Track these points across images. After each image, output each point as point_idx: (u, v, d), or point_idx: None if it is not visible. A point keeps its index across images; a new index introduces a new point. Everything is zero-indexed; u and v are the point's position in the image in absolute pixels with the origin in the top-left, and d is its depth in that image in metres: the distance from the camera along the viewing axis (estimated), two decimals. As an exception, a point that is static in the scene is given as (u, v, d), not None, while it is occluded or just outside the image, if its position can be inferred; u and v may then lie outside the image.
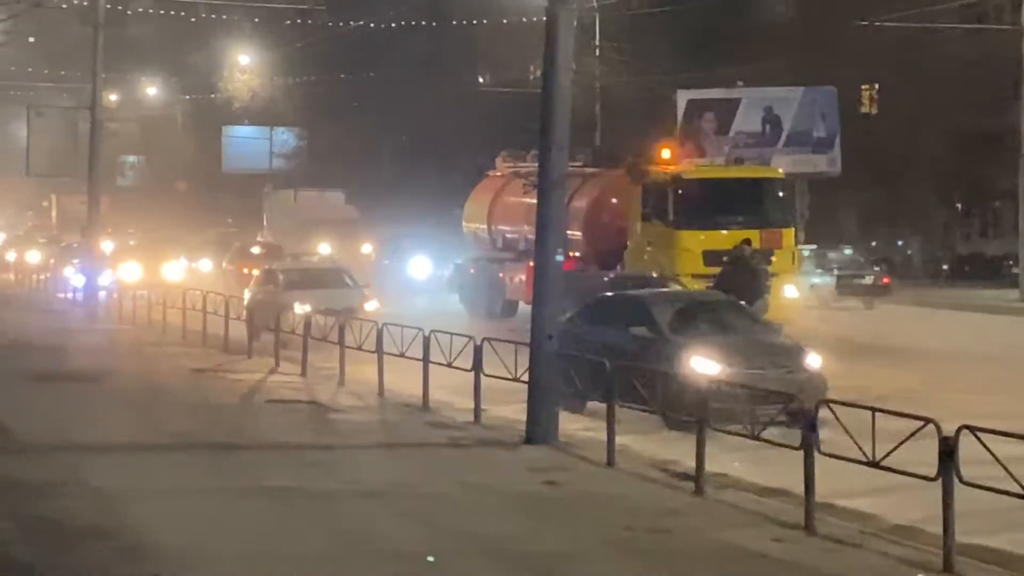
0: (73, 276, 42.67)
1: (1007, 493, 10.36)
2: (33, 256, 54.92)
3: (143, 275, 43.87)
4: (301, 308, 26.65)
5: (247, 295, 30.77)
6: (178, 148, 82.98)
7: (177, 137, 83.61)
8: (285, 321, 25.45)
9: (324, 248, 48.80)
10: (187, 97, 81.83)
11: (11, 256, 57.96)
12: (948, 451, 10.51)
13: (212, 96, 79.53)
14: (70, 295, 41.33)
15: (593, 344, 18.26)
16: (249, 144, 79.61)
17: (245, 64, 78.68)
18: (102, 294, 38.77)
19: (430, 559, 10.78)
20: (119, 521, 11.95)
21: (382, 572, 10.57)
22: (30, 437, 16.48)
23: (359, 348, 21.94)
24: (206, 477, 14.27)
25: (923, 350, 27.06)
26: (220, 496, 13.27)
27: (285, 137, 79.39)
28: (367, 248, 50.37)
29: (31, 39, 76.43)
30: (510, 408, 17.96)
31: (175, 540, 11.33)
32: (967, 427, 10.53)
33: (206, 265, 54.38)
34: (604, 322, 19.81)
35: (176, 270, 46.38)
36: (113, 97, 68.20)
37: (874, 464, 11.43)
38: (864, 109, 54.88)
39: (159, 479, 14.11)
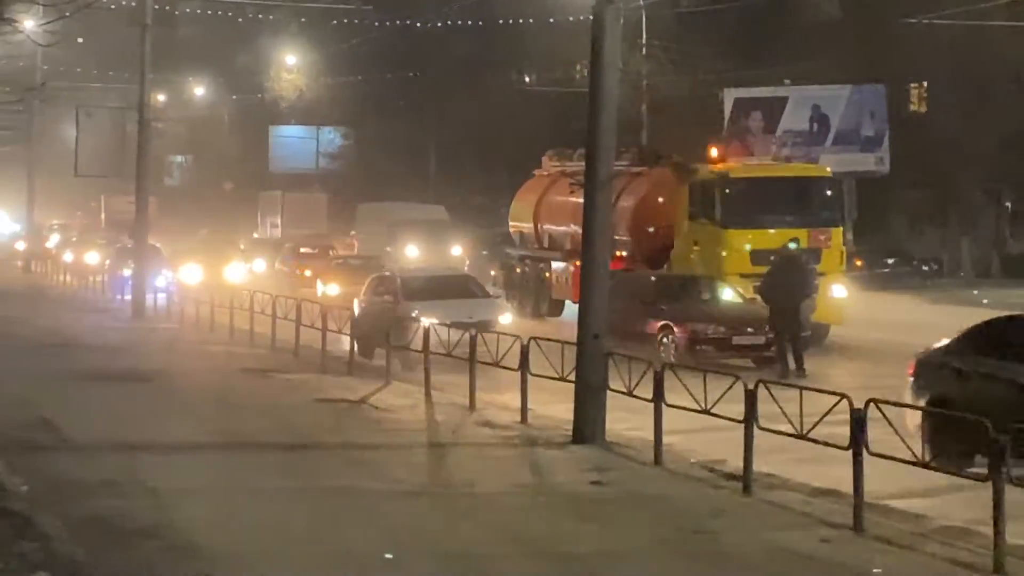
0: (128, 277, 41.14)
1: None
2: (92, 257, 52.99)
3: (205, 277, 42.72)
4: (426, 321, 22.66)
5: (356, 305, 27.66)
6: (225, 148, 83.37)
7: (224, 137, 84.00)
8: (403, 336, 23.03)
9: (411, 250, 46.61)
10: (234, 97, 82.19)
11: (68, 257, 56.88)
12: (998, 452, 10.46)
13: (259, 96, 79.88)
14: (127, 297, 39.74)
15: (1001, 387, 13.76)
16: (296, 144, 79.91)
17: (292, 64, 78.98)
18: (158, 296, 37.77)
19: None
20: (170, 520, 12.03)
21: (435, 572, 10.59)
22: (83, 436, 16.59)
23: (406, 347, 22.00)
24: (258, 476, 14.35)
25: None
26: (272, 495, 13.34)
27: (331, 136, 79.64)
28: (457, 250, 47.93)
29: (79, 40, 76.91)
30: (557, 407, 17.97)
31: (226, 539, 11.40)
32: (1018, 427, 10.47)
33: (259, 265, 53.67)
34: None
35: (238, 271, 44.69)
36: (161, 97, 68.63)
37: (924, 464, 11.39)
38: (913, 107, 54.54)
39: (211, 478, 14.20)
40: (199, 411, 19.46)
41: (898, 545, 11.28)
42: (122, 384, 22.03)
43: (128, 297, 39.19)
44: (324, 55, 74.82)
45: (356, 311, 26.97)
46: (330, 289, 38.92)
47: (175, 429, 17.55)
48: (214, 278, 41.04)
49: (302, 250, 52.06)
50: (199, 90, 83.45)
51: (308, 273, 47.07)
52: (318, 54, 75.73)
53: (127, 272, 40.88)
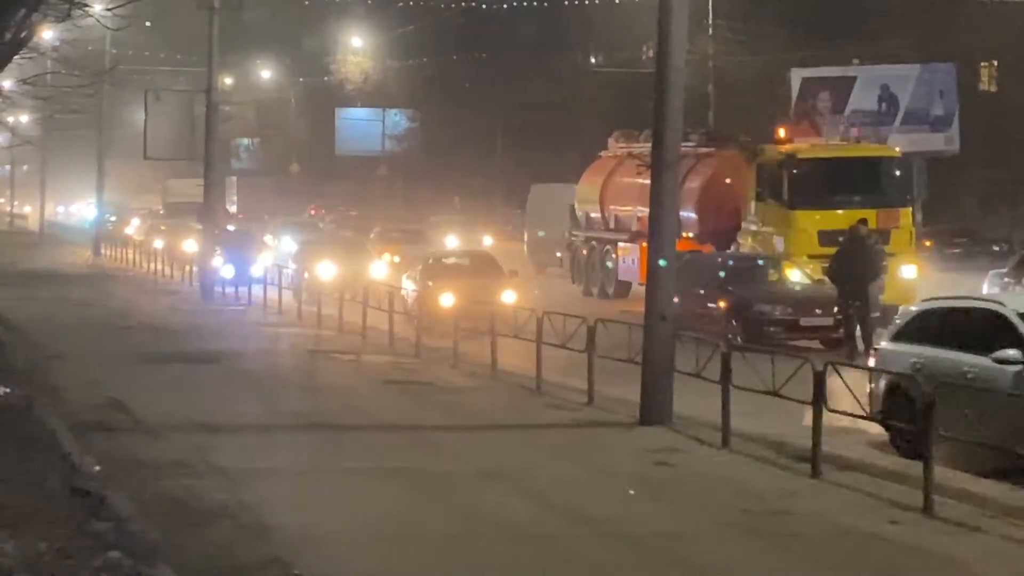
0: (222, 267, 37.51)
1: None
2: (190, 245, 45.68)
3: (342, 274, 32.53)
4: None
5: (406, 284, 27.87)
6: (292, 131, 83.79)
7: (291, 120, 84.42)
8: None
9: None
10: (300, 80, 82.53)
11: (158, 243, 51.63)
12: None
13: (325, 79, 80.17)
14: (222, 289, 36.42)
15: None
16: (362, 126, 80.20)
17: (358, 46, 79.20)
18: (253, 287, 34.90)
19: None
20: (241, 500, 12.14)
21: (506, 553, 10.65)
22: (154, 417, 16.75)
23: (472, 329, 22.08)
24: (328, 457, 14.45)
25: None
26: (342, 477, 13.43)
27: (398, 119, 79.82)
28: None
29: (148, 24, 77.40)
30: (624, 389, 17.96)
31: (297, 520, 11.49)
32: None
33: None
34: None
35: (380, 268, 35.43)
36: (228, 80, 68.93)
37: (994, 446, 11.32)
38: (983, 86, 54.04)
39: (281, 459, 14.31)
40: (268, 392, 19.59)
41: (967, 527, 11.22)
42: (191, 365, 22.22)
43: (223, 290, 36.15)
44: (390, 37, 75.02)
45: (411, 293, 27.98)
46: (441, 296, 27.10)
47: (245, 409, 17.70)
48: (354, 275, 31.54)
49: (392, 235, 47.45)
50: (266, 73, 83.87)
51: (397, 259, 40.40)
52: (384, 36, 75.94)
53: (221, 263, 37.46)
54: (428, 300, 26.54)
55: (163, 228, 59.32)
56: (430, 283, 28.31)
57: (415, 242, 44.05)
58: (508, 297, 26.93)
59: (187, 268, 42.76)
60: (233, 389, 19.83)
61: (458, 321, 22.69)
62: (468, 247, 44.80)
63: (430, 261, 31.31)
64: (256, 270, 36.59)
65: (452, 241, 49.39)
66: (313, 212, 72.80)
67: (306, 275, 33.37)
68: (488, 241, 48.11)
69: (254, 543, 10.71)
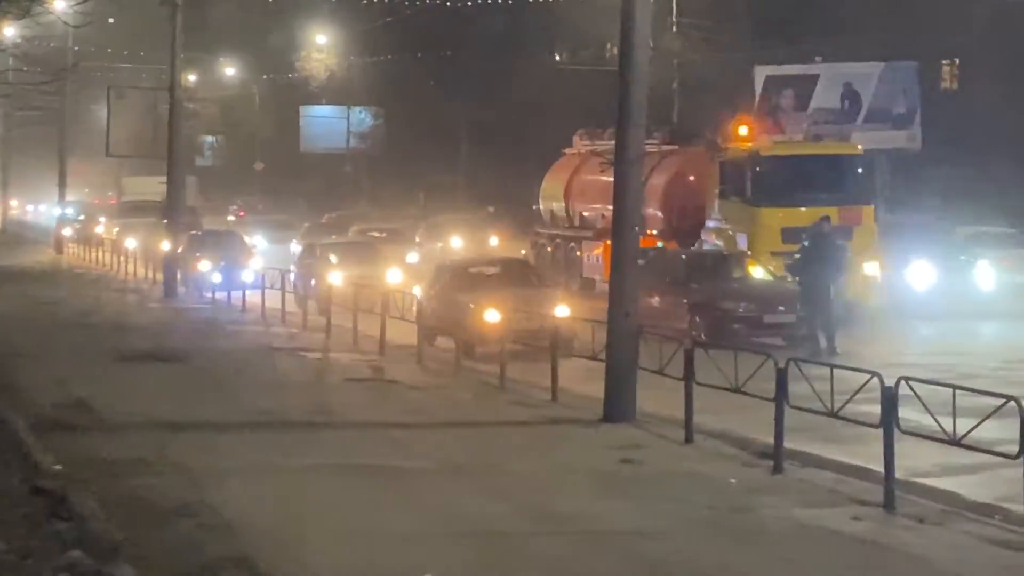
0: (209, 271, 35.56)
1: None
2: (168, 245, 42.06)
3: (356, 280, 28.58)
4: None
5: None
6: (256, 128, 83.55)
7: (255, 117, 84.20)
8: None
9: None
10: (265, 77, 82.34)
11: (131, 243, 49.55)
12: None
13: (289, 76, 80.00)
14: (209, 295, 34.40)
15: None
16: (326, 124, 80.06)
17: (322, 43, 79.05)
18: (243, 292, 32.48)
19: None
20: (205, 499, 12.11)
21: (469, 550, 10.65)
22: (118, 416, 16.69)
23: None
24: (292, 455, 14.42)
25: (1006, 326, 26.82)
26: (305, 474, 13.41)
27: (362, 116, 79.71)
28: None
29: (110, 20, 77.10)
30: (588, 386, 17.99)
31: (261, 519, 11.48)
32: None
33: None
34: None
35: (396, 273, 32.46)
36: (192, 78, 68.68)
37: (955, 442, 11.38)
38: (945, 84, 54.31)
39: (245, 457, 14.28)
40: (232, 390, 19.54)
41: (929, 523, 11.29)
42: (156, 363, 22.15)
43: (210, 295, 34.06)
44: (354, 34, 74.88)
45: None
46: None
47: (209, 408, 17.65)
48: (369, 279, 29.22)
49: (371, 233, 45.99)
50: (230, 70, 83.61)
51: None
52: (348, 33, 75.79)
53: (206, 265, 35.81)
54: (468, 315, 22.57)
55: (116, 228, 58.00)
56: (463, 296, 23.64)
57: (395, 242, 42.42)
58: (561, 311, 22.15)
59: (150, 266, 42.36)
60: (198, 387, 19.77)
61: (507, 341, 20.11)
62: (475, 248, 42.93)
63: (453, 269, 26.39)
64: (247, 275, 33.65)
65: (456, 242, 48.45)
66: (242, 214, 71.47)
67: (313, 282, 30.13)
68: (494, 242, 46.63)
69: (218, 541, 10.68)
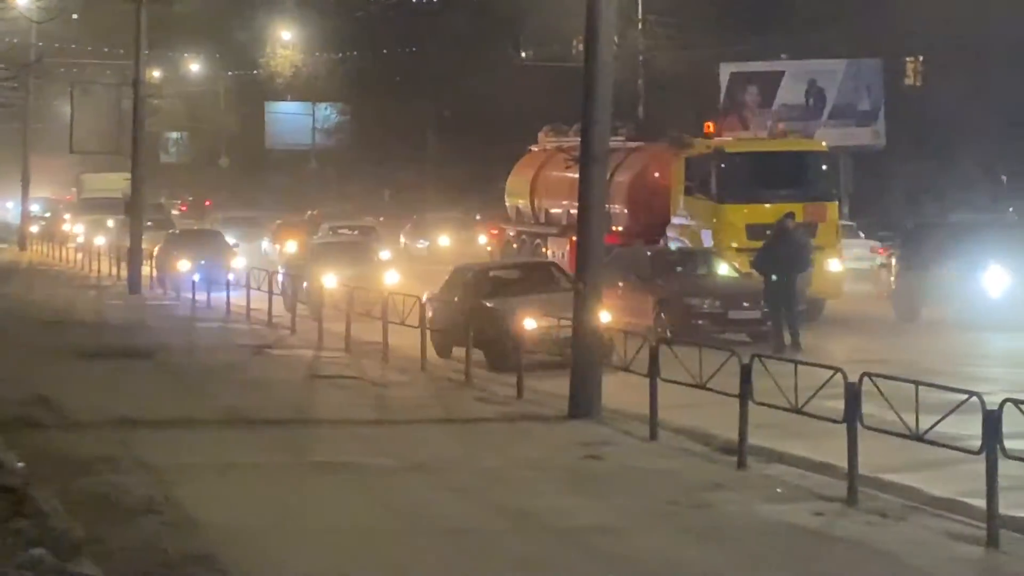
0: (189, 271, 34.08)
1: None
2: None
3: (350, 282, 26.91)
4: None
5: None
6: (221, 124, 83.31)
7: (220, 113, 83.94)
8: None
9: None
10: (230, 73, 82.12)
11: (100, 240, 49.02)
12: (992, 424, 10.51)
13: (255, 72, 79.83)
14: (193, 296, 32.36)
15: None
16: (292, 120, 79.94)
17: (287, 40, 78.88)
18: (219, 293, 31.17)
19: None
20: (169, 496, 12.08)
21: (434, 547, 10.65)
22: (81, 413, 16.63)
23: (402, 323, 22.04)
24: (257, 452, 14.40)
25: (969, 321, 26.94)
26: (271, 471, 13.39)
27: (328, 113, 79.59)
28: None
29: (74, 16, 76.73)
30: (553, 383, 18.01)
31: (226, 515, 11.45)
32: (1011, 400, 10.52)
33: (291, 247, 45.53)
34: None
35: (393, 275, 30.86)
36: (156, 74, 68.43)
37: (918, 438, 11.44)
38: (909, 81, 54.59)
39: (210, 454, 14.24)
40: (197, 387, 19.50)
41: (891, 518, 11.34)
42: (119, 360, 22.07)
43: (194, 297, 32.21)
44: (320, 31, 74.76)
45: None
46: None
47: (173, 405, 17.60)
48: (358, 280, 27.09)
49: (341, 231, 45.84)
50: (195, 66, 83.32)
51: None
52: (314, 30, 75.66)
53: (185, 265, 34.49)
54: (499, 324, 20.90)
55: (79, 224, 57.24)
56: (491, 303, 22.16)
57: (367, 240, 40.71)
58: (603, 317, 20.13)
59: (113, 262, 41.97)
60: (162, 384, 19.72)
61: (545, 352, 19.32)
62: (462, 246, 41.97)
63: (474, 273, 24.34)
64: (228, 275, 32.17)
65: (444, 240, 47.86)
66: (183, 208, 70.62)
67: (305, 283, 28.74)
68: (483, 240, 45.83)
69: (181, 539, 10.65)
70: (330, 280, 27.78)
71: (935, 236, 29.74)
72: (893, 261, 29.54)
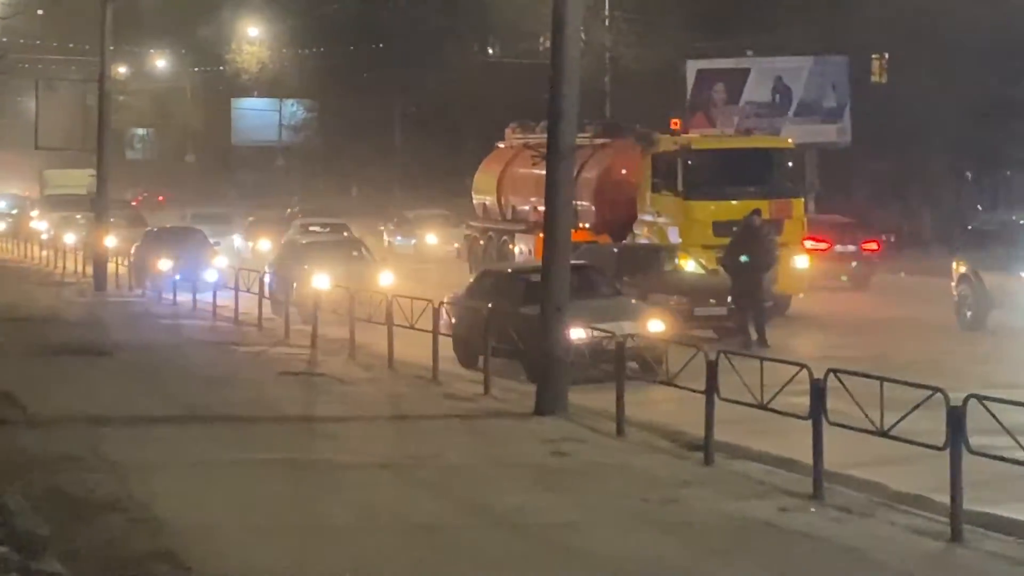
0: (169, 270, 33.06)
1: (1015, 462, 10.42)
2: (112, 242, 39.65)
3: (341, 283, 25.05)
4: None
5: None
6: (187, 121, 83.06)
7: (186, 110, 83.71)
8: None
9: None
10: (195, 69, 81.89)
11: (70, 238, 47.76)
12: (956, 420, 10.56)
13: (221, 68, 79.61)
14: (174, 297, 31.56)
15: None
16: (258, 116, 79.74)
17: (254, 36, 78.68)
18: (200, 293, 30.21)
19: None
20: (133, 494, 12.03)
21: (399, 544, 10.65)
22: (46, 411, 16.55)
23: (369, 320, 22.01)
24: (221, 449, 14.36)
25: (933, 318, 27.07)
26: (235, 468, 13.36)
27: (295, 109, 79.44)
28: None
29: (40, 12, 76.45)
30: (520, 379, 18.03)
31: (190, 513, 11.42)
32: (975, 396, 10.57)
33: (264, 245, 46.05)
34: None
35: (387, 276, 28.95)
36: (122, 70, 68.22)
37: (882, 433, 11.48)
38: (874, 79, 54.78)
39: (174, 451, 14.19)
40: (162, 384, 19.43)
41: (856, 513, 11.39)
42: (85, 357, 21.98)
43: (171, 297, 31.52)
44: (287, 27, 74.60)
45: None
46: None
47: (138, 402, 17.54)
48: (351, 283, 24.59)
49: (313, 229, 44.14)
50: (161, 62, 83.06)
51: None
52: (281, 26, 75.50)
53: (166, 264, 33.23)
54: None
55: (45, 222, 56.55)
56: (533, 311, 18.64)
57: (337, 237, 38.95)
58: (656, 326, 19.90)
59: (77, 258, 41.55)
60: (127, 382, 19.64)
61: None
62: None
63: (507, 277, 22.27)
64: (210, 275, 31.02)
65: (431, 239, 47.38)
66: (136, 203, 69.99)
67: (294, 284, 27.18)
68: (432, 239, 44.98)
69: (146, 536, 10.62)
70: (322, 281, 25.87)
71: (999, 239, 26.50)
72: (954, 266, 26.90)
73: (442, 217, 51.98)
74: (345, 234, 40.83)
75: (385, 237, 51.67)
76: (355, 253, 31.01)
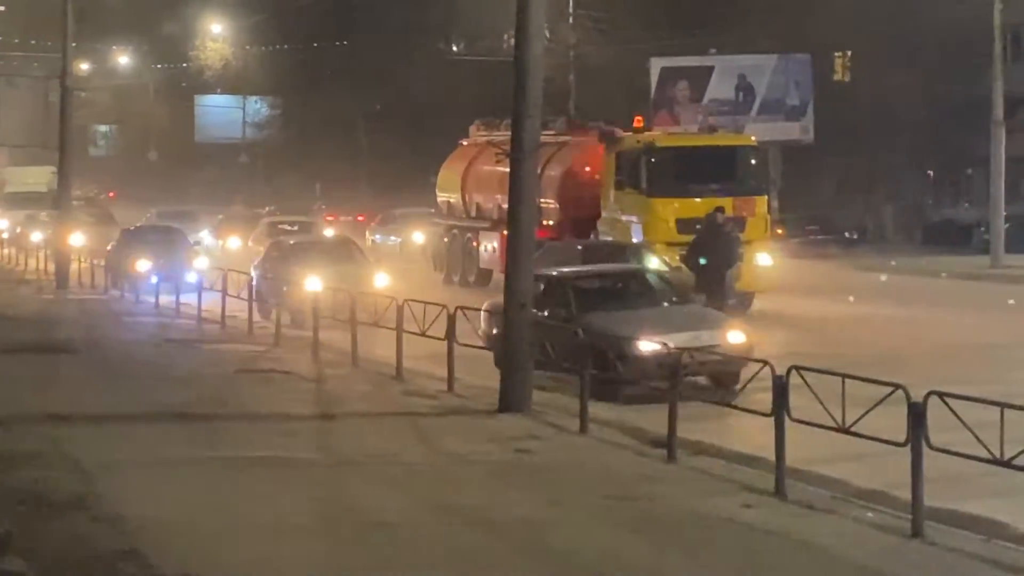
0: (147, 271, 31.77)
1: (975, 458, 10.49)
2: (78, 239, 39.39)
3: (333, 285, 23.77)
4: None
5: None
6: (150, 118, 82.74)
7: (149, 106, 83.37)
8: None
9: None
10: (158, 66, 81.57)
11: (36, 237, 46.58)
12: (917, 416, 10.62)
13: (184, 65, 79.33)
14: (156, 299, 30.10)
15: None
16: (222, 113, 79.53)
17: (217, 32, 78.42)
18: (182, 295, 28.89)
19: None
20: (97, 492, 12.00)
21: (363, 541, 10.64)
22: (7, 409, 16.47)
23: (333, 318, 21.97)
24: (184, 447, 14.32)
25: (895, 316, 27.22)
26: (198, 466, 13.32)
27: (258, 106, 79.23)
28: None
29: (1, 8, 76.06)
30: (483, 376, 18.03)
31: (153, 511, 11.38)
32: (935, 392, 10.64)
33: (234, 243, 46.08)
34: None
35: (383, 278, 27.66)
36: (85, 66, 67.76)
37: (844, 430, 11.54)
38: (837, 77, 55.06)
39: (137, 449, 14.15)
40: (125, 382, 19.37)
41: (819, 510, 11.44)
42: (46, 355, 21.88)
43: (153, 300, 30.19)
44: (251, 23, 74.36)
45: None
46: None
47: (101, 400, 17.47)
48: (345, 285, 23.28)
49: (281, 227, 43.39)
50: (124, 59, 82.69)
51: None
52: (245, 22, 75.26)
53: (145, 265, 31.96)
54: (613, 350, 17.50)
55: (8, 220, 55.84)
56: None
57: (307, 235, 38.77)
58: (736, 338, 18.07)
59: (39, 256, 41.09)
60: (89, 379, 19.56)
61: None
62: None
63: (560, 283, 19.79)
64: (191, 276, 29.89)
65: (419, 237, 47.00)
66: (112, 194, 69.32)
67: (284, 288, 25.53)
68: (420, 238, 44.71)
69: (110, 535, 10.59)
70: (315, 284, 24.27)
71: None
72: None
73: (429, 215, 51.71)
74: (340, 233, 40.21)
75: (368, 234, 51.42)
76: (348, 254, 29.72)
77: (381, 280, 27.23)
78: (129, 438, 14.86)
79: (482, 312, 19.72)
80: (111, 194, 72.65)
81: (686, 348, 14.93)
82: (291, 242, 31.67)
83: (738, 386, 14.45)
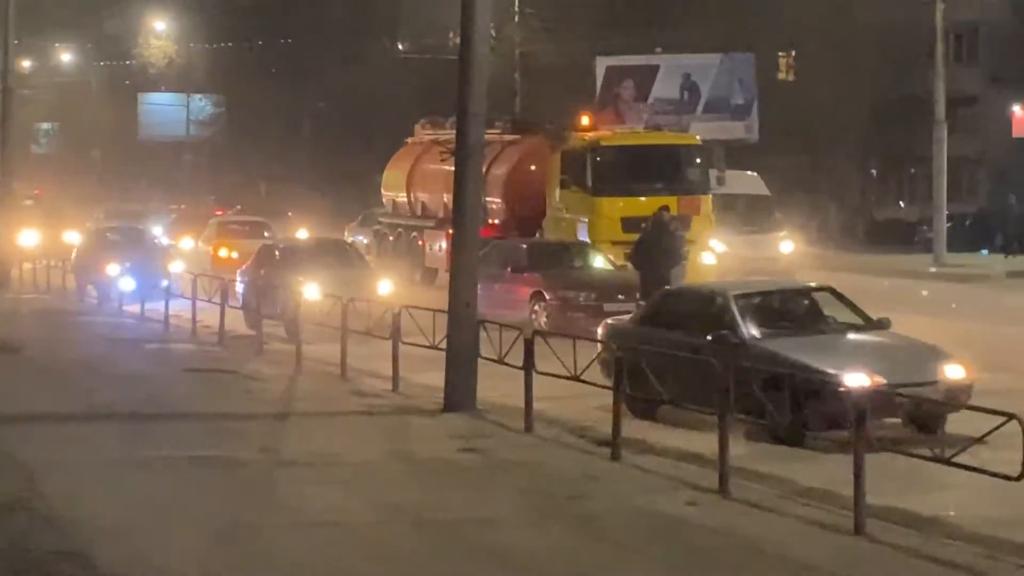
0: (121, 279, 29.72)
1: (916, 456, 10.57)
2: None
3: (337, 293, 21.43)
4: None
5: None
6: (93, 116, 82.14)
7: (92, 104, 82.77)
8: None
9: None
10: (101, 63, 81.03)
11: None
12: (860, 415, 10.68)
13: (127, 63, 78.85)
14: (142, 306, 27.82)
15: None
16: (166, 111, 79.08)
17: (161, 30, 77.98)
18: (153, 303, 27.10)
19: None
20: (38, 493, 11.90)
21: (305, 542, 10.61)
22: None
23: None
24: (128, 447, 14.22)
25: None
26: (142, 467, 13.24)
27: (203, 104, 78.84)
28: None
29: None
30: (429, 376, 18.00)
31: (96, 512, 11.31)
32: (879, 389, 10.70)
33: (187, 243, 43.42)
34: None
35: (386, 285, 25.71)
36: (26, 64, 67.25)
37: (787, 427, 11.60)
38: (781, 76, 55.33)
39: (80, 450, 14.05)
40: (68, 382, 19.23)
41: (762, 508, 11.49)
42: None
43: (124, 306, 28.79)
44: (194, 21, 73.99)
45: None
46: None
47: (43, 400, 17.34)
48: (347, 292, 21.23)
49: (231, 227, 41.43)
50: (66, 56, 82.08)
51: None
52: (188, 20, 74.88)
53: (114, 267, 30.32)
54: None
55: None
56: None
57: (257, 236, 36.98)
58: (955, 372, 14.94)
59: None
60: (30, 379, 19.42)
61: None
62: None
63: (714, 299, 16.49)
64: (165, 282, 28.14)
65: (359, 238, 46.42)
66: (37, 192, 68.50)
67: (281, 296, 23.67)
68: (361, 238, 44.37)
69: (52, 536, 10.51)
70: (313, 291, 22.64)
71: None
72: None
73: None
74: (337, 237, 39.42)
75: (346, 234, 50.91)
76: (348, 259, 27.68)
77: (384, 287, 25.34)
78: (73, 438, 14.69)
79: (599, 330, 17.54)
80: (36, 191, 71.66)
81: (903, 384, 13.35)
82: (281, 246, 29.02)
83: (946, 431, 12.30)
